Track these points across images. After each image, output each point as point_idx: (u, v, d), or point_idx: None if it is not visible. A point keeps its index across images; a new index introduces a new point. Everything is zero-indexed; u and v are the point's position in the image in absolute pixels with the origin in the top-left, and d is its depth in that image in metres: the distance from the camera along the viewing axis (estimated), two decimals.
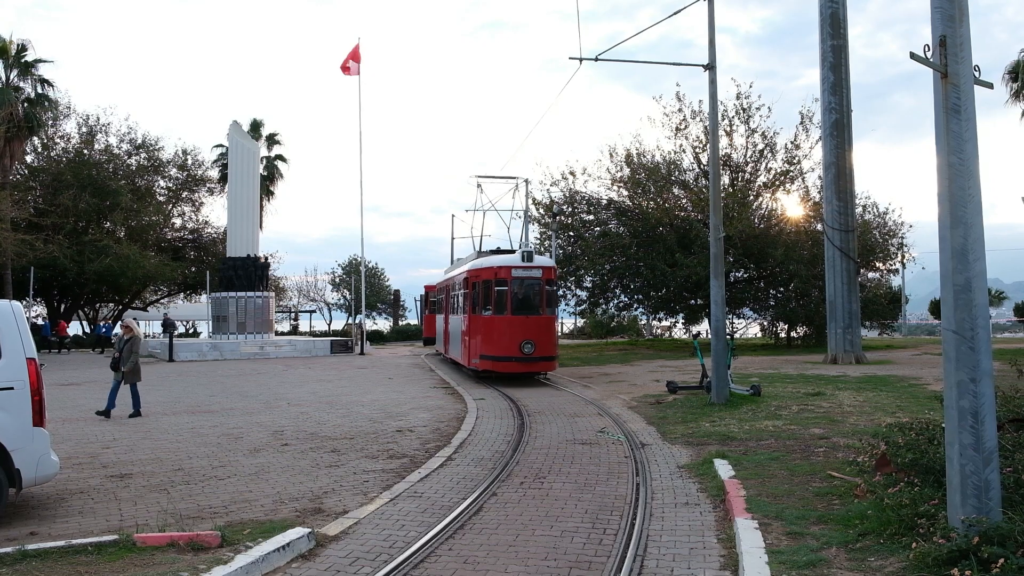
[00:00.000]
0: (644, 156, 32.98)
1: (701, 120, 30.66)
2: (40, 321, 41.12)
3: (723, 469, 7.89)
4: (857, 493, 6.41)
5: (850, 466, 7.35)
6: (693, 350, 16.34)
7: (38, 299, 41.14)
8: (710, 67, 13.40)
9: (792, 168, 31.74)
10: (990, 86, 5.29)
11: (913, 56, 4.82)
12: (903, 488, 5.70)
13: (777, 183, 32.00)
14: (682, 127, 31.76)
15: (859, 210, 29.99)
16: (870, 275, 33.76)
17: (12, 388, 6.68)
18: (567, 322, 47.42)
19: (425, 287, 35.86)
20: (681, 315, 35.47)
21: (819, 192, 26.43)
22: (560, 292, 18.26)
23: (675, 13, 13.46)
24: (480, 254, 21.69)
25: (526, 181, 24.91)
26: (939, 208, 4.98)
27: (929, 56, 4.97)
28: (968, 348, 4.79)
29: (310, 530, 5.97)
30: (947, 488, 4.93)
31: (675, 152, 32.43)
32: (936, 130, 4.99)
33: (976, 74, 5.09)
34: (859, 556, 5.04)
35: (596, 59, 13.38)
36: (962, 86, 4.90)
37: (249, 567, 5.19)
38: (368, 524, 6.45)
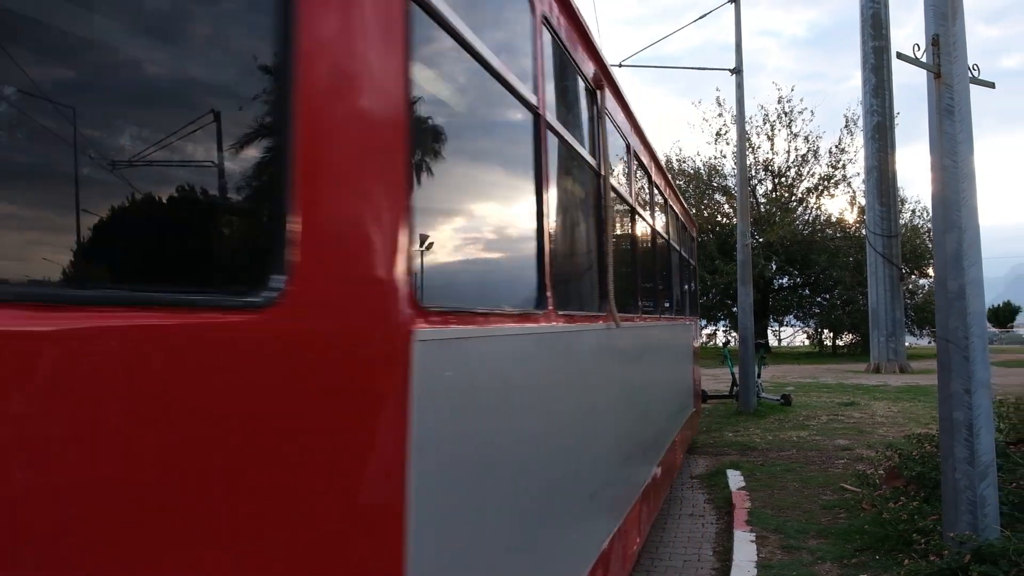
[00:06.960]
0: (684, 162, 32.69)
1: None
2: None
3: (734, 479, 7.73)
4: (864, 506, 6.22)
5: (860, 478, 7.14)
6: (723, 358, 16.03)
7: None
8: (737, 71, 13.24)
9: (836, 172, 31.07)
10: (991, 85, 5.09)
11: (901, 56, 4.67)
12: (905, 502, 5.51)
13: (821, 188, 31.35)
14: (723, 132, 31.42)
15: (908, 215, 29.15)
16: (921, 282, 32.73)
17: None
18: None
19: None
20: (722, 322, 34.94)
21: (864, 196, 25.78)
22: None
23: (700, 17, 13.36)
24: None
25: None
26: (933, 212, 4.82)
27: (921, 56, 4.81)
28: (962, 358, 4.60)
29: None
30: (943, 503, 4.75)
31: (715, 157, 32.10)
32: (930, 131, 4.83)
33: (974, 73, 4.93)
34: (851, 572, 4.87)
35: (620, 65, 13.30)
36: (956, 86, 4.72)
37: None
38: None
